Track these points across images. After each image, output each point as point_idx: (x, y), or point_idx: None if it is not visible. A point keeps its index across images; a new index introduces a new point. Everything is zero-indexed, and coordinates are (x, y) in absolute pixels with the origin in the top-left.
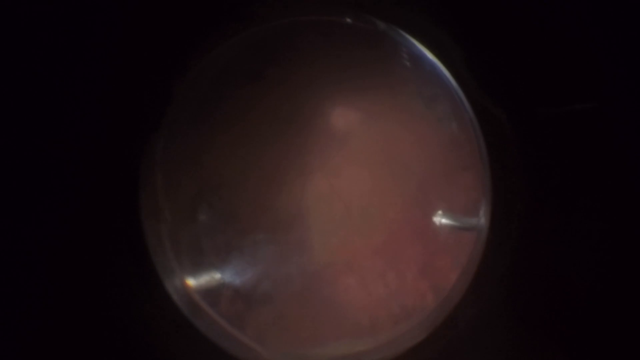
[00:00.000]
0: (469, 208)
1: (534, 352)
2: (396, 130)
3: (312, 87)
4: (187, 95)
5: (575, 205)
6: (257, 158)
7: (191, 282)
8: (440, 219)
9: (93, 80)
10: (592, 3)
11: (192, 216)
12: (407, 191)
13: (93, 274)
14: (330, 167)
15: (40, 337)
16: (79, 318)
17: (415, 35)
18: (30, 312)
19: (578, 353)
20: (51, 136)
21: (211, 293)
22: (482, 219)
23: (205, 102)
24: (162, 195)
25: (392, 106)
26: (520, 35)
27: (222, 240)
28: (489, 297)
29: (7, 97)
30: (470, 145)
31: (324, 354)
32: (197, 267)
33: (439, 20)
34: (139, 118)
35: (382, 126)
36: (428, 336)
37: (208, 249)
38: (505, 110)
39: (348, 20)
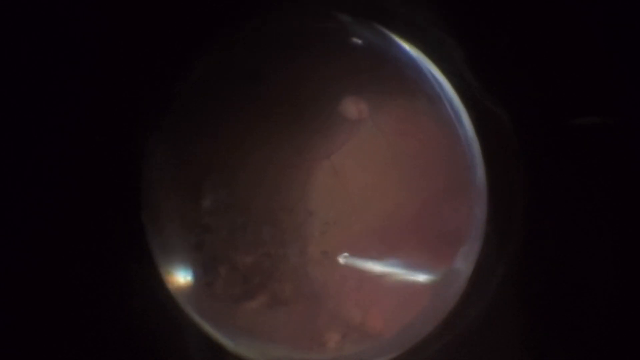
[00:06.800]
0: (468, 207)
1: (535, 353)
2: (400, 128)
3: (313, 86)
4: (189, 94)
5: (575, 205)
6: (261, 146)
7: (189, 275)
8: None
9: (92, 80)
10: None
11: (193, 206)
12: (409, 186)
13: (92, 270)
14: (335, 157)
15: (42, 335)
16: (78, 313)
17: (415, 34)
18: (31, 312)
19: (580, 353)
20: (51, 137)
21: (208, 281)
22: (479, 220)
23: (206, 101)
24: (162, 191)
25: (394, 105)
26: (522, 34)
27: (223, 230)
28: (489, 297)
29: (6, 97)
30: (471, 144)
31: (315, 351)
32: (195, 260)
33: (439, 20)
34: (140, 118)
35: (386, 122)
36: (425, 337)
37: (208, 242)
38: (505, 110)
39: (347, 21)
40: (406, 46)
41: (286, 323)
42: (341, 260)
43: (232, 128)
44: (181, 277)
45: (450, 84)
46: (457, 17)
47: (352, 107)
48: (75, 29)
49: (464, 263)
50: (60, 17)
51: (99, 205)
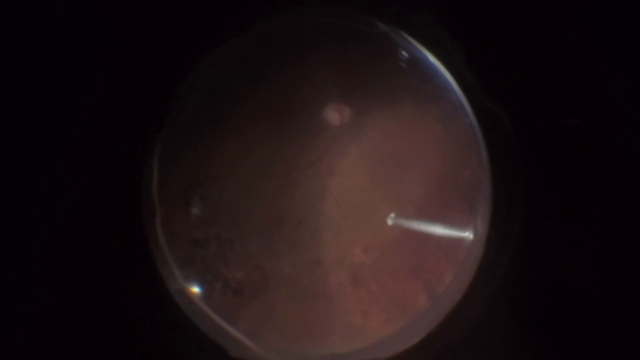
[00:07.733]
0: (468, 208)
1: (535, 353)
2: (394, 129)
3: (311, 85)
4: (189, 95)
5: (575, 206)
6: (252, 152)
7: (186, 276)
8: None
9: (92, 81)
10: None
11: (185, 209)
12: (403, 189)
13: (93, 271)
14: (324, 163)
15: (42, 337)
16: (77, 314)
17: (415, 35)
18: (31, 313)
19: (578, 354)
20: (50, 138)
21: (204, 286)
22: (479, 220)
23: (206, 101)
24: (159, 191)
25: (392, 105)
26: (522, 34)
27: (214, 234)
28: (488, 299)
29: (8, 98)
30: (470, 144)
31: (315, 352)
32: (191, 261)
33: (439, 20)
34: (141, 119)
35: (380, 124)
36: (425, 337)
37: (201, 242)
38: (505, 110)
39: (347, 20)
40: (406, 46)
41: (285, 328)
42: (390, 221)
43: (226, 131)
44: (180, 287)
45: (450, 83)
46: (457, 17)
47: (335, 113)
48: (76, 30)
49: (464, 264)
50: (60, 18)
51: (99, 206)
